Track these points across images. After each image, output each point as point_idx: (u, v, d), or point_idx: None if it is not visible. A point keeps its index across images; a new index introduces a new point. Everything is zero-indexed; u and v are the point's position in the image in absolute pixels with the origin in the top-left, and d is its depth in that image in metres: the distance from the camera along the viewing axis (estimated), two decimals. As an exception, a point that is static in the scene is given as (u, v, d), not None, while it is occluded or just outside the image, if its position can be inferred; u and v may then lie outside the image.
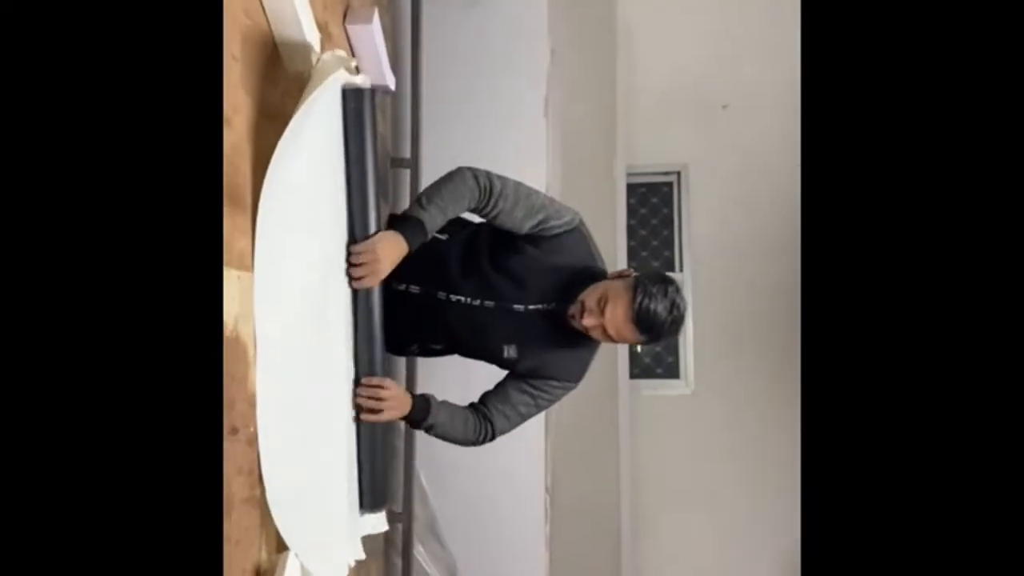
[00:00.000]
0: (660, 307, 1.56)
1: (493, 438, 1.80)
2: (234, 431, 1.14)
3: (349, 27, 1.68)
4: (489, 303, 1.73)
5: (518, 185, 1.67)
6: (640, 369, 3.73)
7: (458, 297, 1.75)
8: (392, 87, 1.86)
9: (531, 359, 1.76)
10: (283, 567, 1.22)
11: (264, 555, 1.23)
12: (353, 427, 1.57)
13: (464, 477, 2.62)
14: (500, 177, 1.65)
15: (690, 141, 3.61)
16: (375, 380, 1.57)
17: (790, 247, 3.42)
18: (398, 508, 2.65)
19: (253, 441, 1.19)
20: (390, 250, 1.51)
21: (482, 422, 1.77)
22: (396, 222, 1.59)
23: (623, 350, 3.27)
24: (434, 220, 1.58)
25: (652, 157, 3.62)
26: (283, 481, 1.21)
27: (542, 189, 2.57)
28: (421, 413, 1.68)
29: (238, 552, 1.15)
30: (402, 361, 2.46)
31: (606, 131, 3.19)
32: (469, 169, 1.63)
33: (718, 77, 3.56)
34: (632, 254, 3.65)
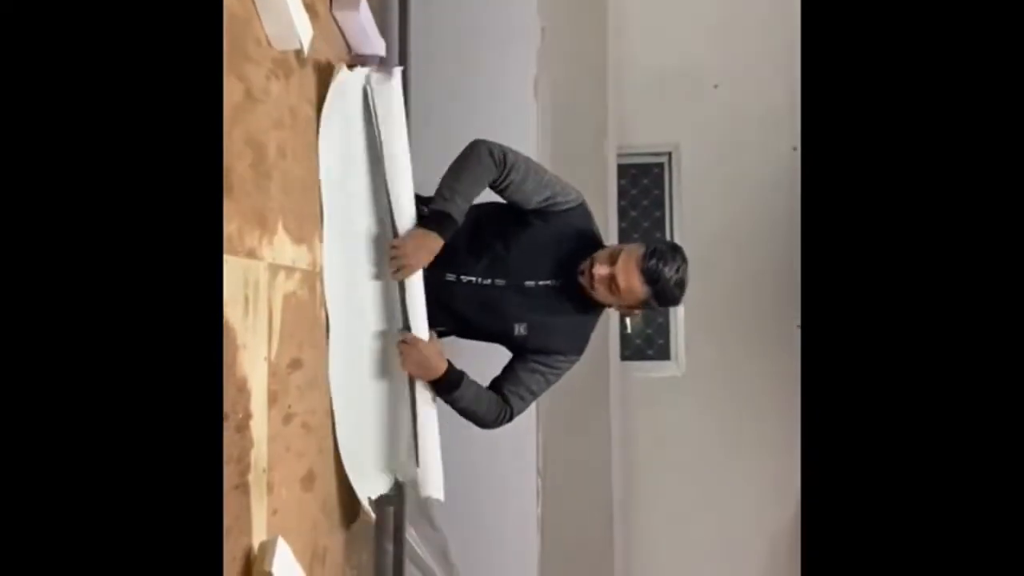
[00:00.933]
0: (668, 267, 1.64)
1: (510, 419, 1.83)
2: (224, 417, 1.12)
3: (337, 14, 1.65)
4: (500, 281, 1.77)
5: (528, 159, 1.73)
6: (631, 351, 3.73)
7: (469, 278, 1.77)
8: (383, 53, 1.84)
9: (540, 336, 1.78)
10: (272, 552, 1.21)
11: (254, 541, 1.22)
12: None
13: (456, 459, 2.60)
14: (512, 151, 1.70)
15: (681, 121, 3.59)
16: (411, 336, 1.67)
17: (780, 228, 3.42)
18: (391, 491, 2.64)
19: (243, 427, 1.18)
20: (423, 248, 1.63)
21: (500, 404, 1.80)
22: (428, 219, 1.66)
23: (614, 332, 3.27)
24: (461, 209, 1.66)
25: (643, 137, 3.60)
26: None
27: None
28: (455, 381, 1.72)
29: (228, 540, 1.14)
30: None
31: (596, 111, 3.18)
32: (483, 144, 1.69)
33: (709, 57, 3.53)
34: (623, 235, 3.63)
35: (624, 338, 3.69)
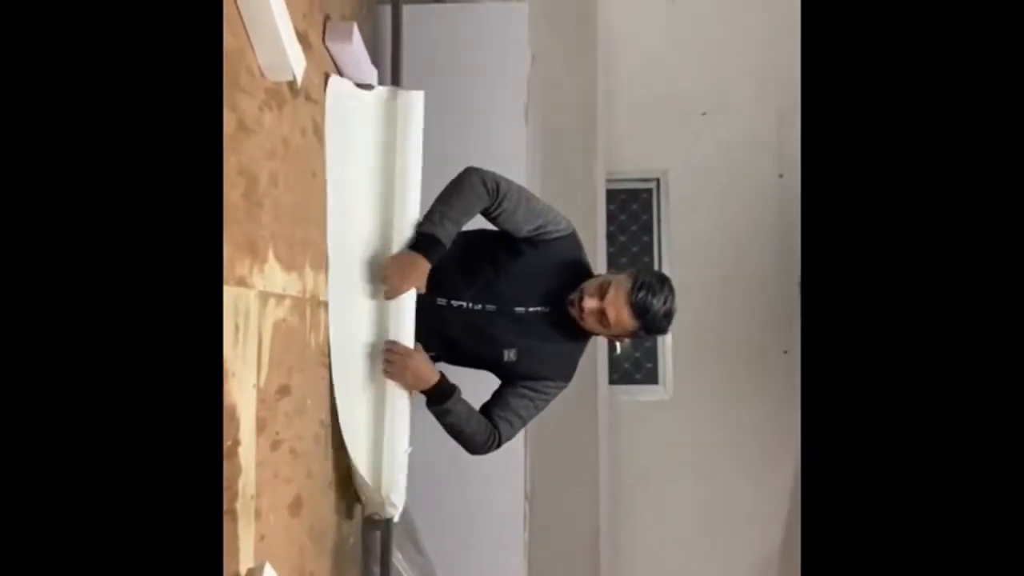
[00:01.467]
0: (657, 298, 1.66)
1: (499, 445, 1.82)
2: (211, 445, 1.13)
3: (330, 45, 1.67)
4: (491, 307, 1.79)
5: (520, 188, 1.76)
6: (619, 375, 3.74)
7: (459, 302, 1.79)
8: (374, 82, 1.87)
9: (529, 362, 1.80)
10: (260, 580, 1.21)
11: (241, 568, 1.22)
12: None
13: (443, 483, 2.61)
14: (505, 179, 1.74)
15: (670, 147, 3.62)
16: (402, 347, 1.68)
17: (767, 253, 3.45)
18: (377, 514, 2.64)
19: (232, 454, 1.19)
20: (408, 268, 1.65)
21: (489, 428, 1.80)
22: (414, 241, 1.69)
23: (602, 356, 3.28)
24: (449, 233, 1.68)
25: (632, 163, 3.64)
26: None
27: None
28: (445, 393, 1.72)
29: (214, 566, 1.14)
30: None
31: (586, 137, 3.21)
32: (476, 172, 1.72)
33: (697, 84, 3.58)
34: (611, 260, 3.66)
35: (612, 362, 3.70)
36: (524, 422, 1.85)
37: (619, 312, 1.67)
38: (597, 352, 3.13)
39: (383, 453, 1.76)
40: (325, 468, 1.65)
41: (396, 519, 1.90)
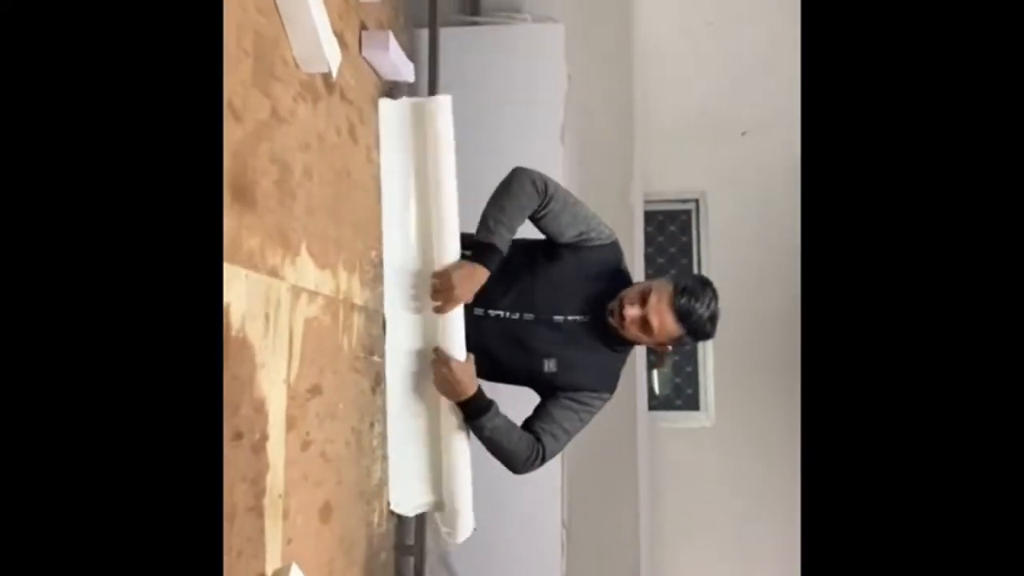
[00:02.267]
0: (700, 302, 1.61)
1: (543, 461, 1.74)
2: (238, 436, 1.09)
3: (367, 54, 1.67)
4: (529, 316, 1.73)
5: (567, 192, 1.72)
6: (659, 401, 3.65)
7: (496, 312, 1.74)
8: (411, 79, 1.87)
9: (569, 372, 1.73)
10: (287, 582, 1.16)
11: (267, 568, 1.17)
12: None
13: (478, 509, 2.54)
14: (553, 181, 1.70)
15: (709, 168, 3.57)
16: (442, 353, 1.65)
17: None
18: (410, 540, 2.58)
19: (259, 448, 1.15)
20: (468, 279, 1.62)
21: (532, 443, 1.71)
22: (472, 250, 1.65)
23: (642, 381, 3.20)
24: (504, 239, 1.64)
25: (670, 184, 3.59)
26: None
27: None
28: (480, 408, 1.66)
29: (240, 564, 1.10)
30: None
31: (623, 157, 3.18)
32: (525, 172, 1.68)
33: (736, 104, 3.53)
34: (648, 278, 3.60)
35: (651, 390, 3.62)
36: (569, 436, 1.76)
37: (662, 318, 1.61)
38: (636, 376, 3.05)
39: (443, 473, 1.74)
40: (356, 476, 1.60)
41: (458, 541, 1.82)
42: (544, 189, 1.66)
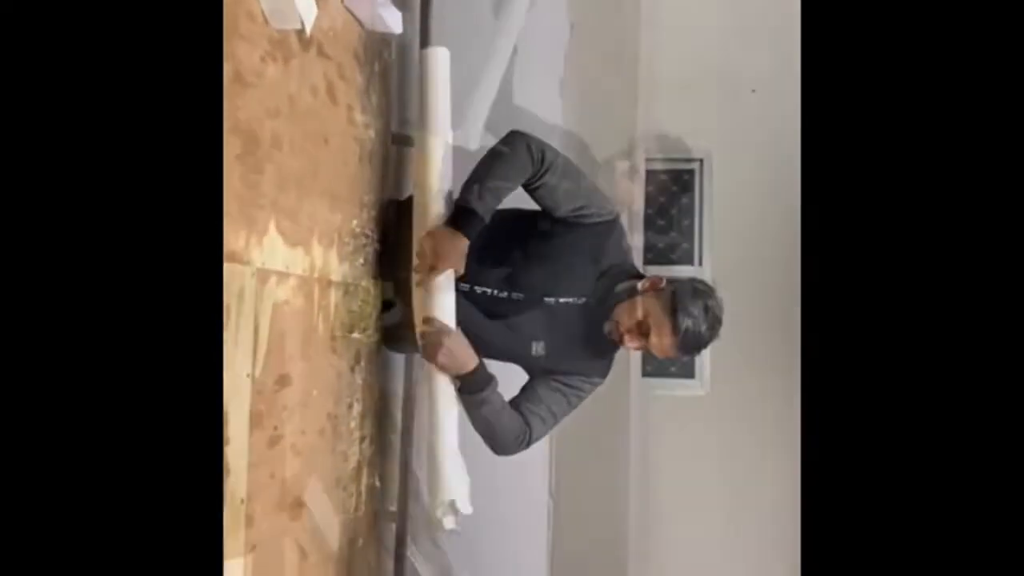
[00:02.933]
0: (703, 327, 1.54)
1: (528, 444, 1.67)
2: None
3: (348, 3, 1.49)
4: (517, 295, 1.62)
5: (568, 162, 1.59)
6: (653, 367, 3.57)
7: (483, 289, 1.62)
8: (398, 30, 1.68)
9: (559, 357, 1.65)
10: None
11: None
12: None
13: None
14: (552, 148, 1.56)
15: (715, 126, 3.42)
16: (439, 323, 1.51)
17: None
18: (392, 507, 2.53)
19: (215, 455, 1.04)
20: (446, 248, 1.48)
21: (521, 424, 1.63)
22: (451, 215, 1.53)
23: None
24: (489, 207, 1.51)
25: (674, 141, 3.45)
26: None
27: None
28: (482, 381, 1.55)
29: None
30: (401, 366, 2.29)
31: (627, 113, 3.04)
32: (522, 138, 1.55)
33: (746, 60, 3.36)
34: (649, 246, 3.49)
35: (645, 355, 3.54)
36: (556, 419, 1.69)
37: (665, 350, 1.56)
38: (630, 343, 2.98)
39: (436, 453, 1.61)
40: (332, 464, 1.50)
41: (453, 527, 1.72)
42: (541, 158, 1.52)
